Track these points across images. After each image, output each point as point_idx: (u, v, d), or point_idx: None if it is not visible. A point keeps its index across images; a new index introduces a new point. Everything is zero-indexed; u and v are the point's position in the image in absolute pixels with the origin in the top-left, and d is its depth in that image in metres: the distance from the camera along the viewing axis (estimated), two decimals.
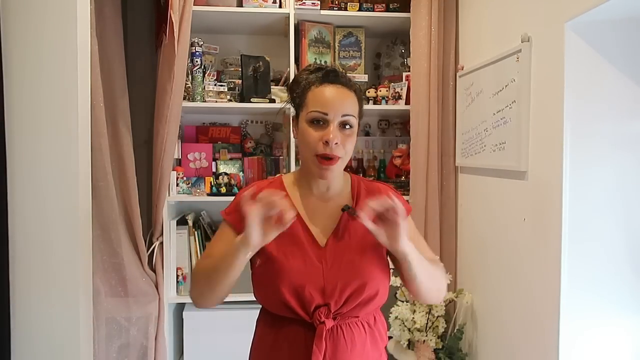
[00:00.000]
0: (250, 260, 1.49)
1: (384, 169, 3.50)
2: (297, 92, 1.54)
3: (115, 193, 2.47)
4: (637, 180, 2.01)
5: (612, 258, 2.02)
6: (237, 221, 1.48)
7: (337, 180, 1.59)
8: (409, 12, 3.13)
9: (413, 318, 2.86)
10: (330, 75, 1.51)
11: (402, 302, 2.95)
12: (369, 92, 3.29)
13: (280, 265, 1.44)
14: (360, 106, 1.56)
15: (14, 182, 1.89)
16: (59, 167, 1.92)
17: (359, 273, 1.48)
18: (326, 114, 1.45)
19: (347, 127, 1.48)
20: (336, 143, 1.44)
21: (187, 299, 3.05)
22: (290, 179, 1.61)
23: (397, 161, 3.34)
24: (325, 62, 3.32)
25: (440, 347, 2.92)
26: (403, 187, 3.21)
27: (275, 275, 1.43)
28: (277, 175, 1.65)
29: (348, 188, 1.63)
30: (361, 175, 3.40)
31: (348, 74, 1.52)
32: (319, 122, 1.46)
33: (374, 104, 3.28)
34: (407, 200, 3.10)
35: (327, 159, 1.46)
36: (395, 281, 2.94)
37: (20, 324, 1.91)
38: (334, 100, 1.47)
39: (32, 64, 1.89)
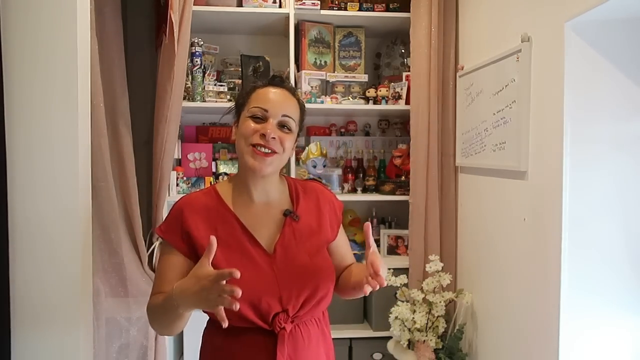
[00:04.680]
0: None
1: (384, 169, 3.50)
2: (241, 96, 1.59)
3: (115, 193, 2.47)
4: (637, 180, 2.01)
5: (612, 258, 2.02)
6: (176, 240, 1.49)
7: (275, 185, 1.60)
8: (409, 12, 3.13)
9: (413, 318, 2.86)
10: (276, 79, 1.58)
11: (402, 302, 2.95)
12: (369, 92, 3.29)
13: (230, 279, 1.40)
14: (302, 115, 1.60)
15: (14, 182, 1.89)
16: (59, 167, 1.92)
17: (312, 276, 1.51)
18: (266, 110, 1.49)
19: (286, 128, 1.52)
20: (273, 137, 1.47)
21: None
22: (225, 188, 1.59)
23: (397, 161, 3.34)
24: (326, 62, 3.33)
25: (440, 347, 2.92)
26: (403, 187, 3.21)
27: None
28: (210, 185, 1.65)
29: (286, 192, 1.64)
30: (361, 175, 3.41)
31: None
32: (259, 118, 1.49)
33: (374, 103, 3.28)
34: (408, 201, 3.12)
35: (264, 152, 1.47)
36: (396, 281, 2.95)
37: (21, 324, 1.91)
38: (275, 99, 1.52)
39: (32, 64, 1.89)
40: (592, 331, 2.03)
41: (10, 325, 1.90)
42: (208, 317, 1.58)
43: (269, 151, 1.48)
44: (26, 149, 1.90)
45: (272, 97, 1.52)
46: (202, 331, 1.61)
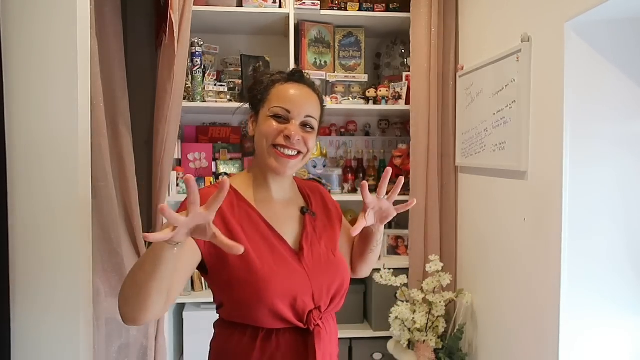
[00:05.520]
0: (218, 282, 1.45)
1: (384, 169, 3.49)
2: (259, 90, 1.53)
3: (115, 193, 2.46)
4: (637, 179, 2.01)
5: (612, 257, 2.02)
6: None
7: (290, 183, 1.60)
8: (409, 12, 3.13)
9: (413, 318, 2.86)
10: (296, 75, 1.54)
11: (402, 302, 2.95)
12: (369, 92, 3.30)
13: (268, 278, 1.39)
14: (322, 111, 1.57)
15: (14, 182, 1.89)
16: (59, 168, 1.92)
17: (338, 271, 1.53)
18: (289, 112, 1.46)
19: (308, 127, 1.49)
20: (298, 139, 1.45)
21: (187, 299, 3.06)
22: (241, 184, 1.54)
23: (397, 161, 3.34)
24: (326, 62, 3.32)
25: (441, 347, 2.92)
26: (403, 187, 3.19)
27: (265, 290, 1.37)
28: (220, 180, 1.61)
29: (296, 189, 1.64)
30: (362, 175, 3.42)
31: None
32: (280, 118, 1.46)
33: (374, 103, 3.28)
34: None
35: (287, 154, 1.45)
36: (396, 281, 2.95)
37: (21, 324, 1.91)
38: (297, 98, 1.48)
39: (32, 64, 1.89)
40: (592, 330, 2.03)
41: (11, 325, 1.90)
42: (221, 320, 1.54)
43: (293, 153, 1.46)
44: (26, 149, 1.90)
45: (295, 97, 1.48)
46: (214, 336, 1.57)
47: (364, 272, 1.76)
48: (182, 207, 1.25)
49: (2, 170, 1.86)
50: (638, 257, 2.03)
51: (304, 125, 1.48)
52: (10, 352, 1.90)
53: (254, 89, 1.55)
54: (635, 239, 2.02)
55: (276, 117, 1.46)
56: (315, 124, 1.51)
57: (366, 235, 1.62)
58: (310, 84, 1.55)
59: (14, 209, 1.89)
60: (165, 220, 1.16)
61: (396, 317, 2.91)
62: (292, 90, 1.49)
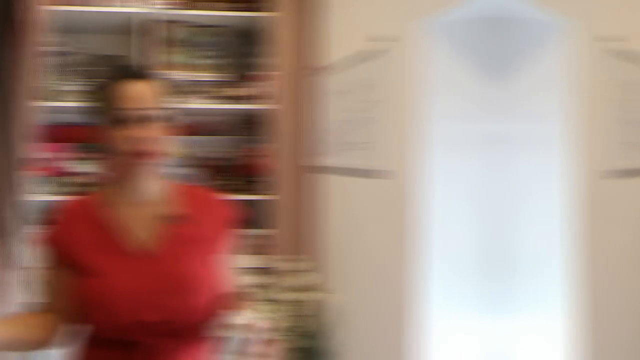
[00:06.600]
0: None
1: (247, 169, 3.42)
2: (98, 95, 1.41)
3: None
4: (490, 180, 2.06)
5: (464, 257, 2.06)
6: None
7: (156, 185, 1.43)
8: (271, 10, 3.10)
9: (275, 317, 2.82)
10: (130, 71, 1.45)
11: (265, 302, 2.89)
12: (231, 91, 3.25)
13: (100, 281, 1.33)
14: (170, 99, 1.42)
15: None
16: None
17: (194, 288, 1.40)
18: (129, 110, 1.31)
19: (156, 121, 1.34)
20: (149, 138, 1.31)
21: None
22: (101, 192, 1.45)
23: (260, 161, 3.28)
24: (187, 62, 3.24)
25: (309, 347, 2.89)
26: (268, 187, 3.15)
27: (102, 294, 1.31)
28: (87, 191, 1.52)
29: (167, 193, 1.45)
30: (224, 176, 3.35)
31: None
32: (124, 121, 1.31)
33: (234, 103, 3.23)
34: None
35: (142, 154, 1.32)
36: (258, 281, 2.88)
37: None
38: (135, 95, 1.34)
39: None
40: (450, 331, 2.08)
41: None
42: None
43: (149, 153, 1.32)
44: None
45: (132, 94, 1.33)
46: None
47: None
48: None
49: None
50: (488, 257, 2.05)
51: (150, 119, 1.33)
52: None
53: (93, 97, 1.43)
54: (489, 239, 2.07)
55: (119, 120, 1.31)
56: (163, 114, 1.36)
57: None
58: (148, 76, 1.42)
59: None
60: None
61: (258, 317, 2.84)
62: (128, 87, 1.34)
